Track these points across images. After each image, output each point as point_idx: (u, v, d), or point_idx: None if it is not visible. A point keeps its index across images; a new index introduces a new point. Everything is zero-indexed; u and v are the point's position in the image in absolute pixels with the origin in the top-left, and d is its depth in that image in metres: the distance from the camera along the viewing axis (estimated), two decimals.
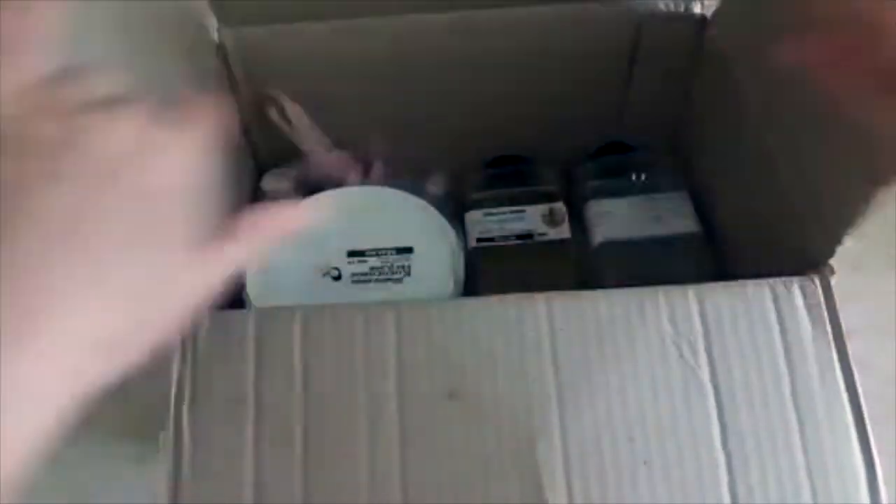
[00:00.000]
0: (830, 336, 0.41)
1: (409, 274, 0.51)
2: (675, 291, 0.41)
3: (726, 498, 0.38)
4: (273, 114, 0.58)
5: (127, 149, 0.24)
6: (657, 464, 0.38)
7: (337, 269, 0.51)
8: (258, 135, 0.61)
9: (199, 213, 0.26)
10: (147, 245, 0.25)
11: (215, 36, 0.55)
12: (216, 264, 0.27)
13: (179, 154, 0.26)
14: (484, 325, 0.41)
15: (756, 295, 0.41)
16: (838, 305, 0.42)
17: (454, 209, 0.60)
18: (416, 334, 0.40)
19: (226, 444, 0.38)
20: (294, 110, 0.58)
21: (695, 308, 0.41)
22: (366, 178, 0.59)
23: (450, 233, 0.53)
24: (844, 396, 0.40)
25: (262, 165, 0.63)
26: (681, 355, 0.40)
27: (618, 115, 0.63)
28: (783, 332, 0.41)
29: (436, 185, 0.62)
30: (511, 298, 0.40)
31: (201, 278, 0.27)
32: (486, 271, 0.55)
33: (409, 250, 0.52)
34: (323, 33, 0.56)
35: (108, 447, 0.57)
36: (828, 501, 0.38)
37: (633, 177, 0.60)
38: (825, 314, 0.41)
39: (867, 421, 0.40)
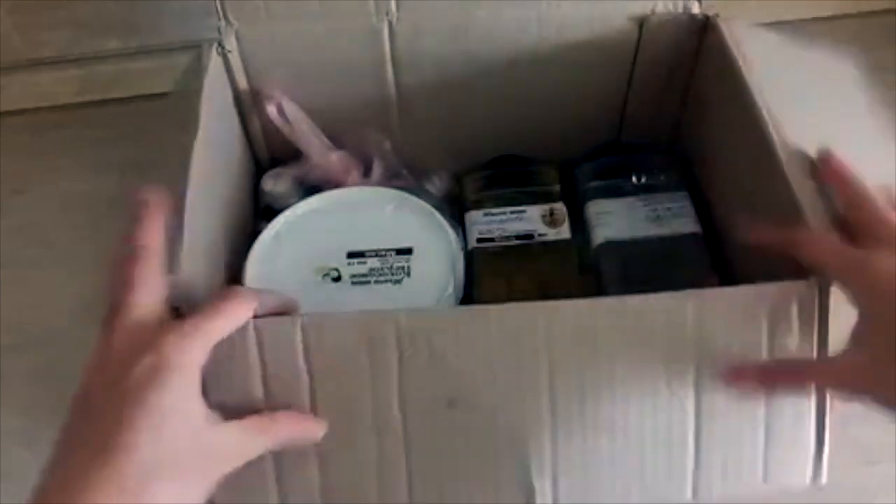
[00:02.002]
0: (815, 343, 0.42)
1: (408, 275, 0.51)
2: (674, 299, 0.41)
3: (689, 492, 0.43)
4: (272, 114, 0.58)
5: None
6: (633, 461, 0.42)
7: (336, 270, 0.51)
8: (257, 135, 0.61)
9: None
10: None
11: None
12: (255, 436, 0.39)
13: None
14: (483, 335, 0.40)
15: (753, 302, 0.41)
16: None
17: (454, 210, 0.59)
18: (416, 344, 0.40)
19: None
20: (293, 110, 0.58)
21: (690, 316, 0.41)
22: (365, 178, 0.59)
23: (450, 233, 0.53)
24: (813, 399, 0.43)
25: (262, 165, 0.63)
26: (670, 363, 0.41)
27: (618, 115, 0.63)
28: (770, 336, 0.41)
29: (435, 186, 0.61)
30: (512, 309, 0.40)
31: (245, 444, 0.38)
32: (487, 272, 0.55)
33: (408, 251, 0.52)
34: (323, 32, 0.56)
35: None
36: (776, 485, 0.44)
37: (634, 177, 0.60)
38: (815, 323, 0.42)
39: (827, 416, 0.43)
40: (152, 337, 0.36)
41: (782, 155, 0.46)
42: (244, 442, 0.38)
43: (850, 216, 0.42)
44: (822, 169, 0.44)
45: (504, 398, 0.41)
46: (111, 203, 0.73)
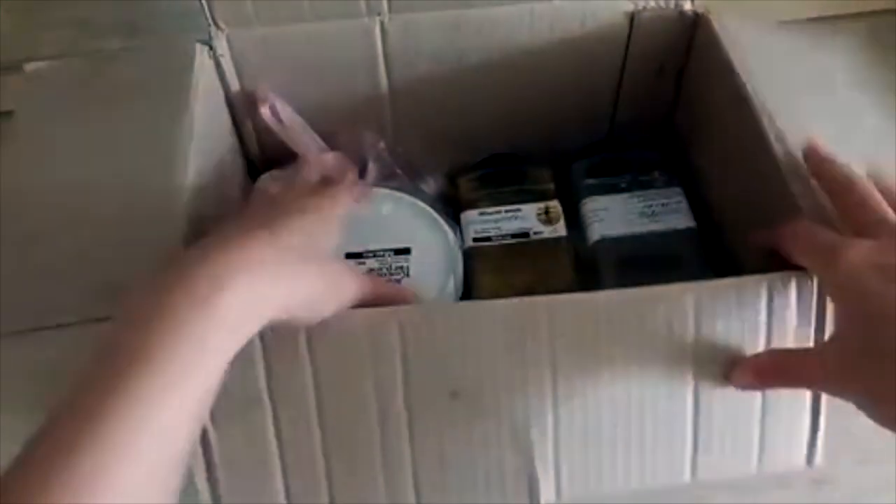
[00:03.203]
0: (812, 330, 0.42)
1: (407, 275, 0.51)
2: (673, 291, 0.41)
3: (687, 473, 0.44)
4: (266, 115, 0.57)
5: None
6: (634, 444, 0.43)
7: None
8: (251, 137, 0.61)
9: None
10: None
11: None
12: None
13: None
14: (486, 330, 0.41)
15: (752, 291, 0.41)
16: None
17: (448, 209, 0.59)
18: (419, 340, 0.40)
19: (248, 436, 0.41)
20: (287, 112, 0.58)
21: (690, 306, 0.41)
22: (361, 179, 0.59)
23: (448, 232, 0.53)
24: None
25: (256, 168, 0.63)
26: (670, 349, 0.41)
27: (611, 111, 0.63)
28: (769, 324, 0.41)
29: (430, 186, 0.61)
30: (514, 304, 0.40)
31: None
32: (484, 271, 0.55)
33: (406, 251, 0.52)
34: (315, 34, 0.56)
35: None
36: (771, 469, 0.44)
37: (628, 174, 0.60)
38: (812, 311, 0.41)
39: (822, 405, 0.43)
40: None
41: (777, 149, 0.46)
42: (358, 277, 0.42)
43: (837, 205, 0.41)
44: (809, 162, 0.43)
45: (506, 389, 0.41)
46: None
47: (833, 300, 0.39)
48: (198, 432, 0.33)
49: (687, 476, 0.44)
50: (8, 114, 0.52)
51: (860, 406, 0.36)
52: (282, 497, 0.42)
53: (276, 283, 0.35)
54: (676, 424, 0.43)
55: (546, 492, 0.43)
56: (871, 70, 0.84)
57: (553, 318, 0.40)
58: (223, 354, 0.33)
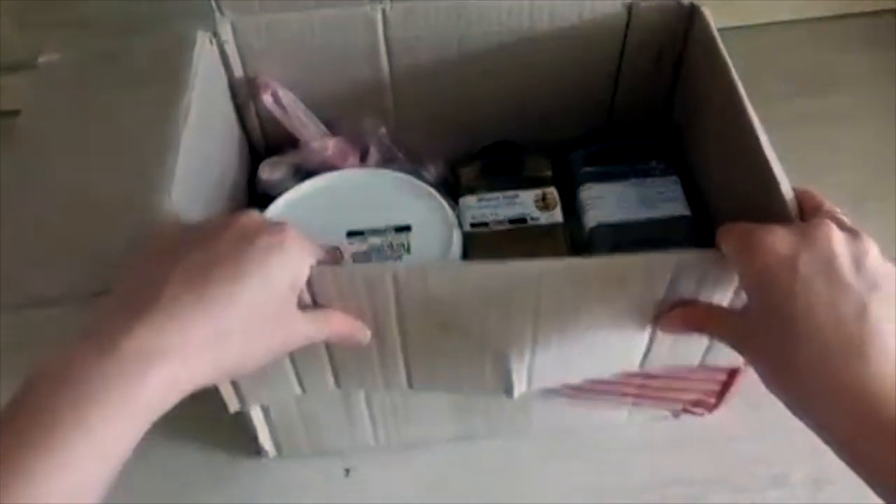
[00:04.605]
0: None
1: (408, 251, 0.52)
2: (658, 258, 0.42)
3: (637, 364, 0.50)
4: (268, 102, 0.58)
5: None
6: (598, 357, 0.49)
7: (338, 248, 0.52)
8: (254, 124, 0.62)
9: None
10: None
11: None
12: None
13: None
14: (478, 283, 0.42)
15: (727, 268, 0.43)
16: None
17: (449, 197, 0.60)
18: (411, 287, 0.42)
19: None
20: (289, 98, 0.59)
21: (670, 270, 0.42)
22: (362, 163, 0.59)
23: (447, 209, 0.54)
24: None
25: (259, 154, 0.63)
26: (642, 302, 0.44)
27: (609, 101, 0.64)
28: (735, 295, 0.44)
29: (430, 173, 0.62)
30: (506, 264, 0.42)
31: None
32: (480, 256, 0.56)
33: (407, 228, 0.53)
34: (317, 20, 0.57)
35: None
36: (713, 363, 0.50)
37: (626, 162, 0.61)
38: None
39: None
40: (276, 225, 0.39)
41: (762, 139, 0.46)
42: (313, 326, 0.41)
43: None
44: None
45: (493, 325, 0.44)
46: None
47: (742, 284, 0.41)
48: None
49: (636, 365, 0.50)
50: (8, 113, 0.52)
51: (756, 372, 0.40)
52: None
53: (203, 364, 0.36)
54: (636, 338, 0.47)
55: (518, 386, 0.49)
56: (871, 70, 0.84)
57: (541, 276, 0.42)
58: (136, 424, 0.34)
